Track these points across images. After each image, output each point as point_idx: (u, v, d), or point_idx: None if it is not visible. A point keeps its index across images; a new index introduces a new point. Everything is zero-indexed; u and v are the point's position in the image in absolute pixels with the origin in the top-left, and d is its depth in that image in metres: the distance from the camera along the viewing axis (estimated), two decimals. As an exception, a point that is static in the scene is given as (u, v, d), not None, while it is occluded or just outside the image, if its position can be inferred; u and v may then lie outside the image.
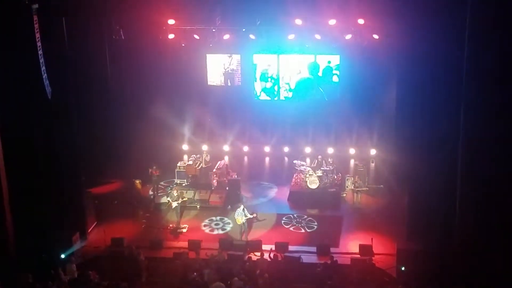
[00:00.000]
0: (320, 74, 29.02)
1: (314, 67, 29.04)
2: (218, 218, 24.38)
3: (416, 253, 19.49)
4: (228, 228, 23.62)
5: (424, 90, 19.20)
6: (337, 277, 18.56)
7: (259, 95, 30.01)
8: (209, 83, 29.79)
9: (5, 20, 19.57)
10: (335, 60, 28.67)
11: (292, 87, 29.57)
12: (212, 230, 23.56)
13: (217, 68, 29.67)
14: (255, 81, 29.70)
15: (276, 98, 29.78)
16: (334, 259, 19.61)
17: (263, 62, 29.48)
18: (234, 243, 21.73)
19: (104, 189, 27.08)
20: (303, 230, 23.25)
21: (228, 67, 29.64)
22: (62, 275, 18.42)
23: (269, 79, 29.62)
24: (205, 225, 23.91)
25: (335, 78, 29.02)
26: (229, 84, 29.86)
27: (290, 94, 29.75)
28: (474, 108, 18.09)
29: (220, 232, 23.44)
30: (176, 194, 23.83)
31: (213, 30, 24.44)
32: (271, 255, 19.89)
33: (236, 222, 22.47)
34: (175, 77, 29.01)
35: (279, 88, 29.54)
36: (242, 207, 22.41)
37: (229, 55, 29.35)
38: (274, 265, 19.52)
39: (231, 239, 22.24)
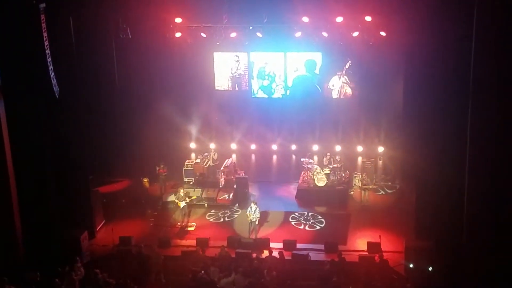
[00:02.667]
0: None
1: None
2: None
3: (425, 250, 19.44)
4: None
5: (431, 87, 19.11)
6: (344, 274, 18.50)
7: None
8: (216, 88, 29.42)
9: (13, 19, 19.60)
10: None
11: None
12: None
13: (224, 71, 29.24)
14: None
15: (281, 95, 29.46)
16: (342, 256, 19.51)
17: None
18: (242, 241, 21.71)
19: (112, 187, 27.19)
20: (308, 228, 23.23)
21: (235, 72, 29.22)
22: (73, 274, 18.45)
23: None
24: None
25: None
26: (236, 89, 29.44)
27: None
28: (482, 104, 18.01)
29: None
30: (183, 193, 23.78)
31: (220, 28, 24.44)
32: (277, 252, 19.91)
33: (247, 218, 22.35)
34: (182, 75, 28.87)
35: (286, 85, 29.19)
36: (255, 207, 22.24)
37: (236, 60, 28.93)
38: (282, 262, 19.51)
39: (239, 237, 22.22)
